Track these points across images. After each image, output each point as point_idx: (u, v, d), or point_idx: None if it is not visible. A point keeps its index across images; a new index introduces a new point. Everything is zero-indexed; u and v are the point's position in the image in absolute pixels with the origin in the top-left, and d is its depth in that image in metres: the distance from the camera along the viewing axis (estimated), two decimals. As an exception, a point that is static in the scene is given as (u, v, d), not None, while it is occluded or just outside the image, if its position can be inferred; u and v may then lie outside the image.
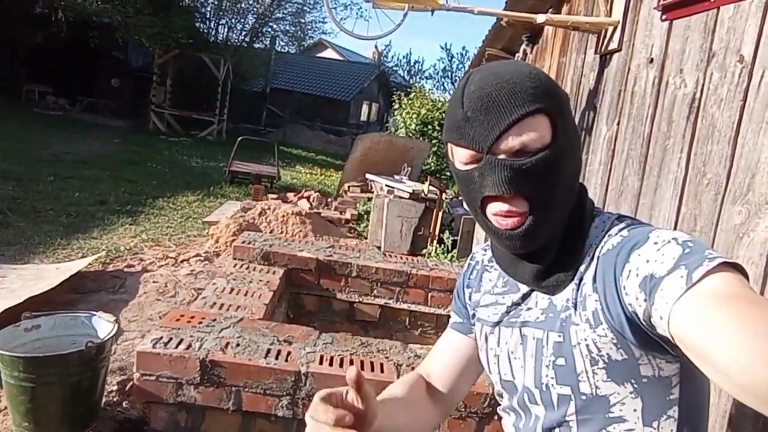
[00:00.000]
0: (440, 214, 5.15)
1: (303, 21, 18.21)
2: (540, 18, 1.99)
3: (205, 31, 16.43)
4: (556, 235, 0.73)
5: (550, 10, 2.57)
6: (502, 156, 0.67)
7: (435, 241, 5.07)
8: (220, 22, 16.91)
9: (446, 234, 5.13)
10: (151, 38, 12.92)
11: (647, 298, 0.58)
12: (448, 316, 2.83)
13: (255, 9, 16.69)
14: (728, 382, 0.48)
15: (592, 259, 0.71)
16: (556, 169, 0.68)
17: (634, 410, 0.68)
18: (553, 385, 0.73)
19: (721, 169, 1.41)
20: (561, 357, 0.71)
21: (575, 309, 0.70)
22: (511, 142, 0.66)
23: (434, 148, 9.90)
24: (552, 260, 0.73)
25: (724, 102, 1.43)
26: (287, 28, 18.25)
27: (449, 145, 0.75)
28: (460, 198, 7.30)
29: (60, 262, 3.34)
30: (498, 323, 0.81)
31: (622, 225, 0.72)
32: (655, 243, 0.62)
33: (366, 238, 5.53)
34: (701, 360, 0.52)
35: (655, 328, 0.58)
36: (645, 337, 0.63)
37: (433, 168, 10.02)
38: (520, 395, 0.79)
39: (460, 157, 0.72)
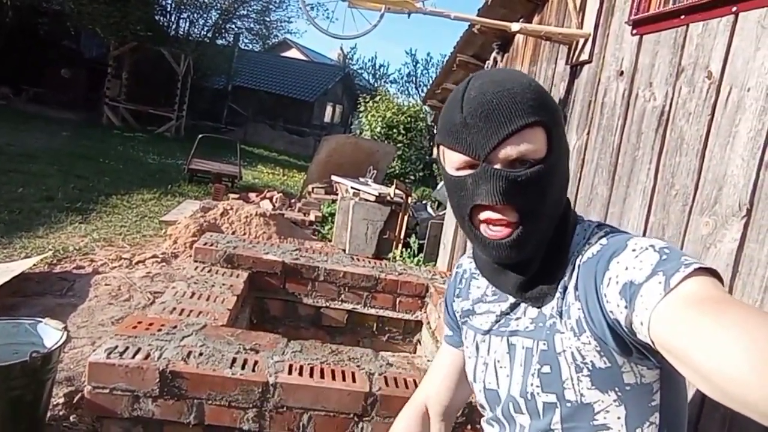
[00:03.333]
0: (406, 217, 5.14)
1: (268, 19, 17.92)
2: (514, 26, 2.00)
3: (165, 24, 15.86)
4: (540, 247, 0.73)
5: (521, 20, 2.60)
6: (497, 165, 0.67)
7: (400, 245, 5.05)
8: (182, 16, 16.39)
9: (413, 238, 5.12)
10: (106, 29, 12.33)
11: (627, 305, 0.59)
12: (416, 322, 2.80)
13: (218, 4, 16.27)
14: (708, 384, 0.49)
15: (573, 267, 0.72)
16: (548, 183, 0.68)
17: (618, 418, 0.69)
18: (538, 393, 0.73)
19: (689, 181, 1.45)
20: (546, 365, 0.72)
21: (560, 317, 0.71)
22: (509, 152, 0.66)
23: (399, 152, 9.92)
24: (535, 272, 0.74)
25: (693, 116, 1.47)
26: (251, 25, 17.91)
27: (441, 148, 0.74)
28: (423, 202, 7.33)
29: (0, 262, 3.10)
30: (488, 331, 0.82)
31: (601, 233, 0.73)
32: (633, 250, 0.63)
33: (330, 241, 5.45)
34: (681, 363, 0.53)
35: (636, 335, 0.59)
36: (627, 345, 0.64)
37: (397, 171, 10.04)
38: (505, 405, 0.78)
39: (452, 162, 0.71)
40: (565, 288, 0.71)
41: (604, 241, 0.70)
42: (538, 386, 0.72)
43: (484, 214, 0.70)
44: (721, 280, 0.58)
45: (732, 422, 1.27)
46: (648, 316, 0.55)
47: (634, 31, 1.76)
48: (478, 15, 2.59)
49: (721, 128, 1.36)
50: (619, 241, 0.67)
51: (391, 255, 4.93)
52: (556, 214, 0.73)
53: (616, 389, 0.68)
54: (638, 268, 0.60)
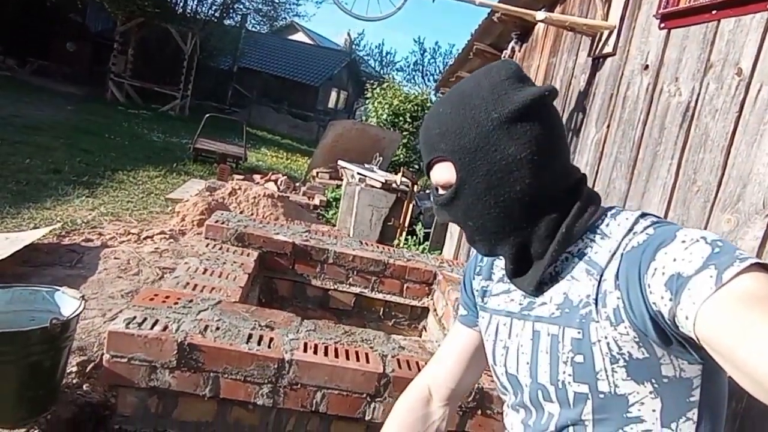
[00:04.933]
0: (411, 205, 5.14)
1: (276, 1, 17.73)
2: (539, 15, 1.99)
3: (173, 1, 15.69)
4: (518, 246, 0.75)
5: (544, 9, 2.57)
6: (437, 189, 0.79)
7: (404, 233, 5.06)
8: (189, -6, 16.21)
9: (418, 226, 5.13)
10: (113, 3, 12.23)
11: (672, 297, 0.57)
12: (423, 308, 2.81)
13: (227, -17, 16.10)
14: (758, 388, 0.48)
15: (613, 255, 0.69)
16: (465, 203, 0.74)
17: (653, 410, 0.67)
18: (569, 382, 0.71)
19: (712, 177, 1.45)
20: (580, 354, 0.70)
21: (596, 305, 0.69)
22: (432, 179, 0.78)
23: (404, 140, 9.89)
24: (522, 266, 0.77)
25: (719, 113, 1.46)
26: (260, 6, 17.73)
27: None
28: (427, 191, 7.33)
29: (9, 232, 3.10)
30: (511, 314, 0.80)
31: (648, 222, 0.70)
32: (683, 242, 0.61)
33: (334, 226, 5.46)
34: (727, 362, 0.51)
35: (679, 328, 0.58)
36: (667, 336, 0.63)
37: (402, 159, 10.02)
38: (532, 392, 0.77)
39: None
40: (602, 275, 0.69)
41: (651, 230, 0.68)
42: (570, 375, 0.71)
43: None
44: None
45: (744, 417, 1.28)
46: (695, 311, 0.53)
47: (662, 25, 1.75)
48: (500, 3, 2.56)
49: (749, 126, 1.35)
50: (668, 231, 0.65)
51: (395, 242, 4.95)
52: (521, 221, 0.73)
53: (653, 381, 0.66)
54: (687, 260, 0.58)
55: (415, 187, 5.36)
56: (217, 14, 16.71)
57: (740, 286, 0.52)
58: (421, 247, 4.72)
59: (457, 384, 0.95)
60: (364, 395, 1.52)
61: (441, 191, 0.78)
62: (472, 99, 0.71)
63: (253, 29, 19.30)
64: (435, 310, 2.62)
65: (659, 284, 0.59)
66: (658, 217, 0.73)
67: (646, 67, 1.82)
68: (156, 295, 1.65)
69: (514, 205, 0.72)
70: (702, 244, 0.59)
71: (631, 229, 0.70)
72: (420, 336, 2.75)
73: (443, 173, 0.74)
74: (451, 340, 0.98)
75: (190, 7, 16.26)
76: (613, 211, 0.75)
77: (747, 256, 0.55)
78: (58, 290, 1.63)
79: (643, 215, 0.73)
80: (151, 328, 1.43)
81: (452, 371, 0.95)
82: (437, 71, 24.36)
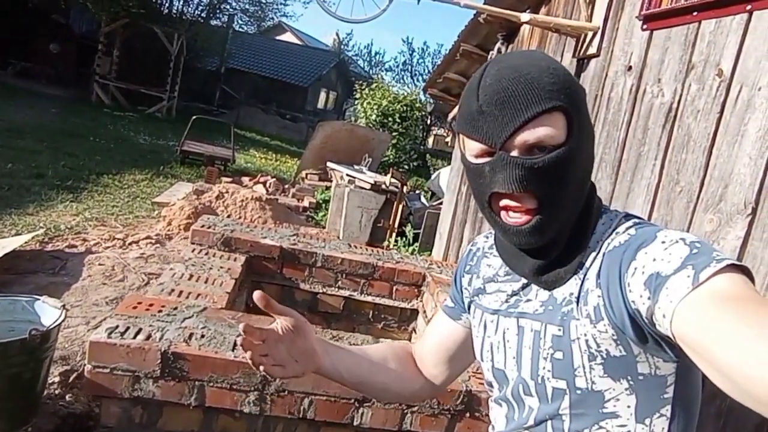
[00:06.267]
0: (401, 206, 5.14)
1: (264, 1, 17.64)
2: (524, 17, 1.99)
3: (159, 2, 15.54)
4: (563, 232, 0.73)
5: (528, 10, 2.58)
6: (514, 153, 0.66)
7: (394, 234, 5.06)
8: (175, -6, 16.05)
9: (408, 227, 5.12)
10: (97, 4, 12.08)
11: (651, 296, 0.58)
12: (412, 310, 2.80)
13: (213, -17, 15.98)
14: (729, 384, 0.48)
15: (597, 254, 0.71)
16: (568, 168, 0.67)
17: (628, 406, 0.69)
18: (548, 378, 0.73)
19: (694, 177, 1.46)
20: (559, 351, 0.71)
21: (577, 303, 0.70)
22: (526, 137, 0.65)
23: (393, 141, 9.90)
24: (555, 256, 0.73)
25: (701, 113, 1.48)
26: (247, 6, 17.62)
27: (461, 136, 0.73)
28: (417, 192, 7.34)
29: (-10, 239, 3.04)
30: (497, 311, 0.81)
31: (630, 223, 0.72)
32: (663, 242, 0.62)
33: (324, 227, 5.44)
34: (702, 360, 0.52)
35: (656, 326, 0.59)
36: (644, 335, 0.64)
37: (391, 160, 10.03)
38: (515, 386, 0.78)
39: (471, 149, 0.71)
40: (585, 274, 0.71)
41: (632, 231, 0.69)
42: (549, 371, 0.72)
43: (503, 201, 0.70)
44: (752, 278, 0.57)
45: (728, 416, 1.29)
46: (672, 310, 0.55)
47: (645, 26, 1.76)
48: (485, 4, 2.56)
49: (730, 126, 1.37)
50: (648, 232, 0.66)
51: (385, 243, 4.94)
52: (579, 199, 0.72)
53: (629, 378, 0.68)
54: (666, 260, 0.59)
55: (405, 188, 5.36)
56: (203, 14, 16.57)
57: (715, 286, 0.54)
58: (411, 248, 4.72)
59: (435, 371, 0.96)
60: (353, 401, 1.51)
61: (518, 154, 0.66)
62: (560, 66, 0.70)
63: (241, 29, 19.18)
64: (424, 312, 2.62)
65: (638, 283, 0.61)
66: (641, 218, 0.75)
67: (630, 68, 1.83)
68: (140, 302, 1.63)
69: (583, 184, 0.72)
70: (681, 245, 0.60)
71: (614, 229, 0.72)
72: (410, 339, 2.75)
73: (549, 129, 0.65)
74: (431, 329, 0.98)
75: (175, 8, 16.11)
76: (600, 210, 0.76)
77: (723, 257, 0.56)
78: (38, 299, 1.60)
79: (627, 216, 0.75)
80: (134, 338, 1.40)
81: (430, 359, 0.96)
82: (426, 71, 24.42)
